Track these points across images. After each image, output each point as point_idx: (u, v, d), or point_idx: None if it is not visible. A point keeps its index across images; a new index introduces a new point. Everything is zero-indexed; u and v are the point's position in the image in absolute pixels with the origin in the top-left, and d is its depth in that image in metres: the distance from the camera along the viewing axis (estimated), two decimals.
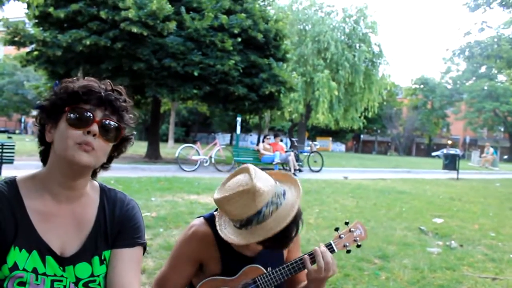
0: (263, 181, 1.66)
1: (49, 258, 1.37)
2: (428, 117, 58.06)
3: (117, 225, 1.52)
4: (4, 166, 9.86)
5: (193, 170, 14.67)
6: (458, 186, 14.61)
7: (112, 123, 1.40)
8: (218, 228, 1.75)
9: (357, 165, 22.73)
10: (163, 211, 6.65)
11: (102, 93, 1.39)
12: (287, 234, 1.66)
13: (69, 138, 1.34)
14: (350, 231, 1.95)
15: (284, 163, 15.79)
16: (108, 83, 1.45)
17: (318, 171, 17.28)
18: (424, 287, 4.14)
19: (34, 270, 1.34)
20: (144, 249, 1.58)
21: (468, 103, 54.01)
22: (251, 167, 1.70)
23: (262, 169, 1.79)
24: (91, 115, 1.36)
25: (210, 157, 16.14)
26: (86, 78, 1.45)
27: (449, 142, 52.93)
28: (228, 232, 1.71)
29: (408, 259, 5.03)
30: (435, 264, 4.90)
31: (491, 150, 29.45)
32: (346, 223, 1.97)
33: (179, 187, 9.36)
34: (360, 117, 36.63)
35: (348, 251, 1.93)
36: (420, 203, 9.70)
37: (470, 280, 4.45)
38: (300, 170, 16.14)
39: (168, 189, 8.96)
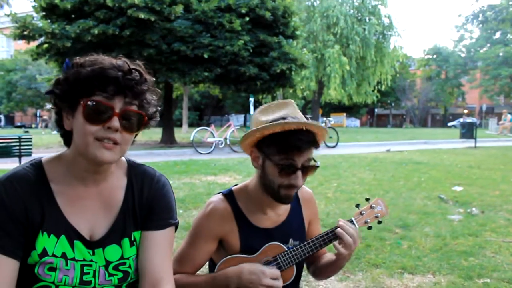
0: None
1: (77, 243, 1.33)
2: (443, 87, 57.23)
3: (146, 205, 1.44)
4: (22, 159, 9.99)
5: (208, 153, 14.71)
6: (476, 154, 14.43)
7: (134, 113, 1.28)
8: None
9: (372, 139, 22.58)
10: (182, 193, 6.70)
11: (120, 78, 1.24)
12: (296, 146, 1.64)
13: (88, 134, 1.24)
14: (371, 207, 1.91)
15: None
16: (125, 62, 1.29)
17: (333, 147, 17.20)
18: (447, 253, 4.11)
19: (63, 255, 1.30)
20: (176, 227, 1.52)
21: (483, 71, 52.97)
22: None
23: None
24: (110, 107, 1.24)
25: (225, 139, 16.16)
26: (99, 57, 1.30)
27: (465, 111, 52.19)
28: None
29: (429, 227, 5.00)
30: (457, 231, 4.86)
31: (509, 116, 28.96)
32: (367, 200, 1.94)
33: (195, 169, 9.41)
34: (373, 91, 36.26)
35: (369, 228, 1.89)
36: (439, 172, 9.62)
37: (494, 245, 4.42)
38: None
39: (185, 172, 9.01)
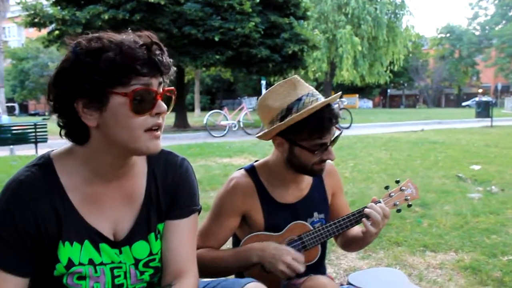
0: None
1: (103, 246, 1.23)
2: (456, 66, 56.44)
3: (170, 194, 1.33)
4: (39, 145, 10.09)
5: (222, 136, 14.72)
6: (493, 133, 14.24)
7: (170, 91, 1.18)
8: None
9: (386, 119, 22.41)
10: (198, 175, 6.64)
11: (152, 57, 1.10)
12: (321, 127, 1.61)
13: (137, 127, 1.11)
14: (400, 189, 1.86)
15: None
16: (146, 36, 1.13)
17: (347, 128, 17.09)
18: (469, 231, 4.06)
19: (91, 262, 1.21)
20: (199, 212, 1.43)
21: (499, 49, 52.06)
22: None
23: None
24: (154, 92, 1.12)
25: (239, 121, 16.15)
26: (107, 35, 1.12)
27: (480, 90, 51.46)
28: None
29: (449, 206, 4.94)
30: (478, 209, 4.80)
31: None
32: (397, 182, 1.89)
33: (210, 152, 9.42)
34: (386, 71, 35.90)
35: (398, 211, 1.85)
36: (455, 151, 9.51)
37: None
38: None
39: (200, 155, 9.02)
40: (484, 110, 20.14)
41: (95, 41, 1.09)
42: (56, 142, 12.08)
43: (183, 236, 1.34)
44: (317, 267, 1.85)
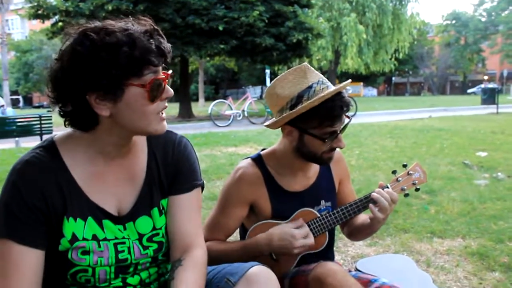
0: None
1: (106, 222, 1.27)
2: (462, 53, 55.98)
3: (171, 170, 1.38)
4: (44, 137, 10.13)
5: (227, 125, 14.71)
6: (499, 120, 14.17)
7: (172, 76, 1.24)
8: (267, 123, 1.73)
9: (391, 107, 22.32)
10: (204, 164, 6.71)
11: (160, 45, 1.16)
12: (332, 116, 1.60)
13: (151, 113, 1.19)
14: (408, 173, 1.84)
15: None
16: (147, 23, 1.18)
17: (352, 116, 16.97)
18: (476, 218, 4.06)
19: (94, 237, 1.24)
20: (202, 188, 1.46)
21: (505, 35, 51.57)
22: None
23: None
24: (162, 79, 1.19)
25: (243, 111, 16.13)
26: (110, 25, 1.14)
27: (485, 77, 51.12)
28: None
29: (456, 192, 4.94)
30: (484, 196, 4.79)
31: None
32: (404, 166, 1.87)
33: (215, 141, 9.42)
34: (390, 59, 35.67)
35: (406, 195, 1.83)
36: (461, 139, 9.47)
37: None
38: None
39: (205, 144, 9.03)
40: (490, 97, 20.01)
41: (105, 34, 1.10)
42: (50, 136, 12.04)
43: (187, 211, 1.37)
44: (326, 254, 1.84)
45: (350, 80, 1.70)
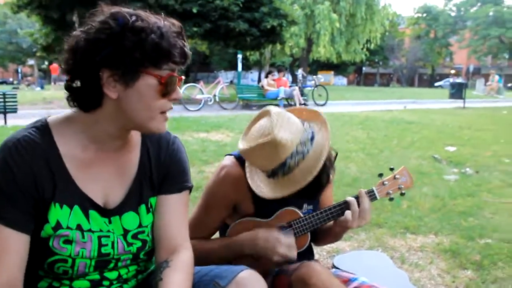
0: (286, 127, 1.53)
1: (92, 213, 1.24)
2: (431, 46, 57.00)
3: (163, 169, 1.36)
4: (8, 115, 9.76)
5: (197, 110, 14.53)
6: (466, 114, 14.49)
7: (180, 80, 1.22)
8: (248, 175, 1.65)
9: (361, 97, 22.54)
10: None
11: (184, 47, 1.17)
12: (317, 184, 1.57)
13: (157, 109, 1.18)
14: (394, 178, 1.82)
15: (289, 98, 15.60)
16: (177, 25, 1.18)
17: (323, 105, 17.11)
18: (447, 214, 4.12)
19: (79, 227, 1.21)
20: (190, 191, 1.45)
21: (473, 31, 52.76)
22: (273, 111, 1.56)
23: (267, 105, 1.67)
24: (178, 79, 1.19)
25: (214, 96, 15.95)
26: (146, 15, 1.14)
27: (452, 71, 52.25)
28: (258, 180, 1.64)
29: (427, 187, 5.00)
30: (455, 192, 4.87)
31: (496, 77, 29.05)
32: (391, 169, 1.84)
33: (186, 126, 9.26)
34: (362, 49, 35.87)
35: (391, 199, 1.82)
36: (430, 132, 9.63)
37: (491, 206, 4.43)
38: (305, 105, 15.98)
39: (177, 129, 8.87)
40: (457, 92, 20.39)
41: (136, 19, 1.11)
42: (26, 112, 11.78)
43: (176, 212, 1.36)
44: (306, 253, 1.83)
45: (315, 171, 1.53)
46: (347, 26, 33.48)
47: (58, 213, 1.19)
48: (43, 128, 1.20)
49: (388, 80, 63.96)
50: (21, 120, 9.55)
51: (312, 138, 1.57)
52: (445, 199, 4.57)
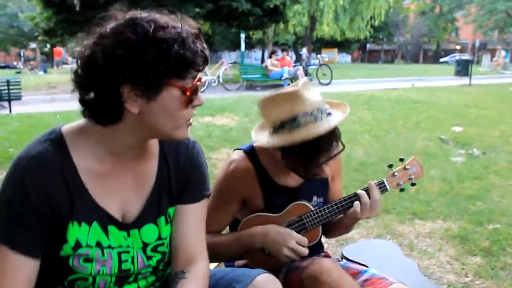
0: (311, 90, 1.58)
1: (111, 228, 1.19)
2: (436, 22, 56.16)
3: (182, 176, 1.30)
4: (12, 102, 9.73)
5: (202, 92, 14.27)
6: (472, 92, 14.36)
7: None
8: (253, 131, 1.70)
9: (366, 75, 22.33)
10: None
11: (204, 51, 1.11)
12: (317, 150, 1.56)
13: (181, 118, 1.13)
14: (405, 168, 1.81)
15: (293, 78, 15.50)
16: (195, 27, 1.12)
17: (327, 84, 16.98)
18: (455, 198, 4.11)
19: (98, 244, 1.17)
20: (208, 197, 1.41)
21: (479, 5, 51.80)
22: (302, 81, 1.62)
23: (271, 86, 1.68)
24: (200, 86, 1.15)
25: (218, 77, 15.86)
26: (165, 20, 1.08)
27: (458, 47, 51.62)
28: (261, 136, 1.66)
29: (434, 170, 4.98)
30: (462, 174, 4.86)
31: (503, 53, 28.69)
32: (401, 160, 1.83)
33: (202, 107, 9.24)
34: (366, 26, 35.47)
35: (402, 190, 1.81)
36: (436, 112, 9.57)
37: (499, 189, 4.43)
38: None
39: None
40: (463, 69, 20.23)
41: (157, 27, 1.04)
42: (30, 98, 11.76)
43: (194, 221, 1.33)
44: (315, 245, 1.82)
45: (320, 132, 1.53)
46: (350, 3, 33.05)
47: (76, 232, 1.14)
48: (57, 140, 1.14)
49: (393, 57, 63.29)
50: (26, 107, 9.56)
51: (329, 114, 1.59)
52: (453, 182, 4.56)
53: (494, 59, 29.23)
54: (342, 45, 53.09)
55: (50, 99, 12.36)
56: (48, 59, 40.83)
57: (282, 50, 16.77)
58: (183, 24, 1.09)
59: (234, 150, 1.79)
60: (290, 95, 1.55)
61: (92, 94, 1.08)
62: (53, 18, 16.80)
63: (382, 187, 1.77)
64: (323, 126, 1.53)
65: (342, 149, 1.68)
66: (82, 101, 1.11)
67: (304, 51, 18.76)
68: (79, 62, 1.08)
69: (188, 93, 1.10)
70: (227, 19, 17.15)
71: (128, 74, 1.03)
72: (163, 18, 1.08)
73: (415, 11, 59.18)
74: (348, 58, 59.60)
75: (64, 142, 1.15)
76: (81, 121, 1.18)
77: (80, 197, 1.14)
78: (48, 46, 40.36)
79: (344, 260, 2.01)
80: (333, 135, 1.57)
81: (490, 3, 49.01)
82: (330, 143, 1.57)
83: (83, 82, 1.08)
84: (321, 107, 1.57)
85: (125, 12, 1.08)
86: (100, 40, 1.04)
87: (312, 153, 1.56)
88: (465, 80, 18.22)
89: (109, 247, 1.19)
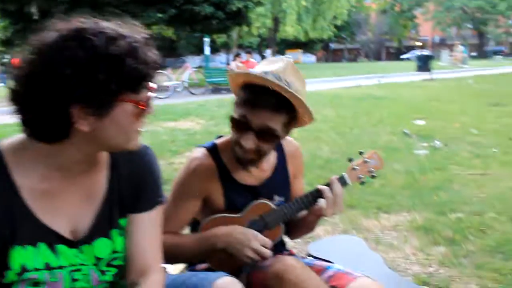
0: (296, 72, 1.58)
1: (60, 247, 1.10)
2: (397, 20, 57.50)
3: (134, 184, 1.23)
4: None
5: (166, 97, 14.31)
6: (433, 87, 14.71)
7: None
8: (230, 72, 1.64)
9: (330, 74, 22.61)
10: (145, 141, 6.47)
11: (156, 58, 1.06)
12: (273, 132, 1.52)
13: (134, 130, 1.07)
14: (364, 161, 1.79)
15: None
16: (143, 33, 1.06)
17: None
18: (418, 190, 4.17)
19: (47, 266, 1.08)
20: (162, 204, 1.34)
21: (437, 2, 53.34)
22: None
23: None
24: (151, 97, 1.08)
25: (183, 82, 15.73)
26: (110, 26, 1.00)
27: (418, 43, 52.81)
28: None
29: (398, 164, 5.04)
30: (425, 166, 4.93)
31: (461, 48, 29.53)
32: (361, 153, 1.81)
33: (155, 115, 9.12)
34: (329, 25, 35.99)
35: (362, 183, 1.79)
36: (399, 107, 9.74)
37: (460, 179, 4.52)
38: None
39: None
40: (424, 64, 20.70)
41: (107, 39, 0.95)
42: None
43: (148, 230, 1.25)
44: (278, 245, 1.79)
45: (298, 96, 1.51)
46: (313, 4, 33.52)
47: (21, 256, 1.05)
48: None
49: (356, 55, 64.25)
50: None
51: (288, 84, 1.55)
52: (416, 174, 4.62)
53: (452, 54, 30.03)
54: (306, 45, 53.61)
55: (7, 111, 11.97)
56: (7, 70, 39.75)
57: (246, 53, 16.79)
58: (133, 32, 1.02)
59: (196, 147, 1.75)
60: (282, 60, 1.57)
61: (34, 114, 0.98)
62: (10, 28, 16.37)
63: (342, 181, 1.75)
64: (267, 77, 1.48)
65: (277, 136, 1.61)
66: (22, 120, 1.00)
67: (268, 53, 18.78)
68: (17, 79, 0.97)
69: (141, 107, 1.03)
70: (190, 23, 17.07)
71: (78, 96, 0.93)
72: (110, 26, 1.00)
73: (376, 10, 60.37)
74: (312, 58, 60.12)
75: (3, 160, 1.05)
76: (22, 135, 1.06)
77: (22, 218, 1.06)
78: (8, 57, 39.32)
79: (310, 258, 1.99)
80: (279, 99, 1.49)
81: (447, 0, 50.48)
82: (270, 103, 1.49)
83: (24, 102, 0.98)
84: (287, 79, 1.53)
85: (67, 21, 0.98)
86: (42, 56, 0.94)
87: (247, 104, 1.52)
88: (426, 75, 18.67)
89: (59, 267, 1.11)
